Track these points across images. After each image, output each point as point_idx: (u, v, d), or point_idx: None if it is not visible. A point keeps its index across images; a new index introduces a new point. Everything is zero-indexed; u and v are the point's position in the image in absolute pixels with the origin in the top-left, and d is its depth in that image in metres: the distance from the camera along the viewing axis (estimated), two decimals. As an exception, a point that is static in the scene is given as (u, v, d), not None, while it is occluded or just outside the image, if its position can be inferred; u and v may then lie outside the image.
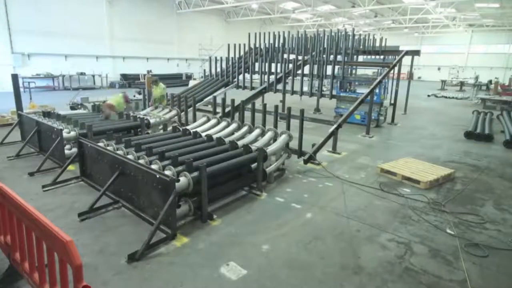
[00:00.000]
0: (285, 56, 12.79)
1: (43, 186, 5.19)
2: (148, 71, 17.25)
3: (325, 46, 12.04)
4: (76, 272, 1.96)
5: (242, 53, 13.05)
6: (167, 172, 4.26)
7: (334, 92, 10.84)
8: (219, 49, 23.65)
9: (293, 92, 11.31)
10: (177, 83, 23.68)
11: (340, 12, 28.72)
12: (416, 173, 6.08)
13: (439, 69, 39.02)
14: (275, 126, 6.90)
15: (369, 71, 21.14)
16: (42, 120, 7.00)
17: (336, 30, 12.47)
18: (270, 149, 5.80)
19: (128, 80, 22.73)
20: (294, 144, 6.64)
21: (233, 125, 6.95)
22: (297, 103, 15.61)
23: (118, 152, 4.98)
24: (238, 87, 12.37)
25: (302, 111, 6.86)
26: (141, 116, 7.85)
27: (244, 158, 5.19)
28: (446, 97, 21.43)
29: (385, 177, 6.20)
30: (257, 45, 13.10)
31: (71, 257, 1.98)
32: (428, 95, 21.93)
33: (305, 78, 11.51)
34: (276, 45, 13.19)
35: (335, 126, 7.63)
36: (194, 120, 8.28)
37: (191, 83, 15.40)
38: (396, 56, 11.67)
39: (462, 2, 22.03)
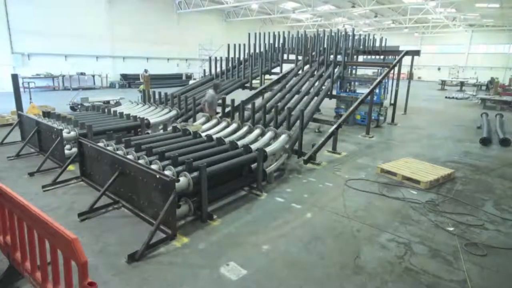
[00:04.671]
0: (285, 56, 12.81)
1: (43, 186, 5.19)
2: (145, 70, 17.31)
3: (325, 46, 12.06)
4: (82, 269, 2.01)
5: (241, 53, 13.05)
6: (167, 172, 4.26)
7: (334, 92, 10.84)
8: (219, 49, 23.65)
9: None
10: (177, 83, 23.68)
11: (340, 12, 28.72)
12: (416, 173, 6.08)
13: (439, 69, 39.02)
14: (275, 126, 6.91)
15: (369, 71, 21.13)
16: (42, 120, 7.00)
17: (336, 30, 12.47)
18: (270, 149, 5.80)
19: (128, 80, 22.74)
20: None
21: (233, 125, 6.95)
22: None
23: (118, 152, 4.98)
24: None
25: (302, 111, 6.86)
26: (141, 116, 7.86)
27: (244, 158, 5.19)
28: (447, 97, 21.43)
29: (385, 177, 6.20)
30: (257, 50, 13.13)
31: (76, 254, 2.03)
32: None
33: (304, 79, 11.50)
34: (276, 45, 13.21)
35: (335, 126, 7.63)
36: (194, 120, 8.28)
37: (191, 83, 15.38)
38: (396, 56, 11.67)
39: (462, 2, 22.02)
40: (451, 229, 4.31)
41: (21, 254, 2.77)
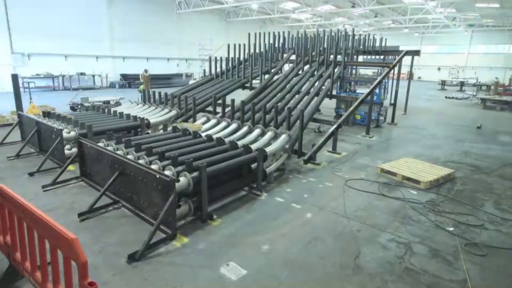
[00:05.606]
0: (285, 56, 12.79)
1: (43, 186, 5.19)
2: (145, 70, 17.32)
3: (325, 46, 12.05)
4: (82, 269, 2.03)
5: (241, 53, 13.05)
6: (167, 172, 4.26)
7: (334, 92, 10.84)
8: (219, 49, 23.65)
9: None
10: (177, 83, 23.69)
11: (340, 12, 28.75)
12: (416, 173, 6.08)
13: (439, 69, 39.04)
14: (275, 126, 6.91)
15: (369, 71, 21.14)
16: (42, 120, 7.00)
17: (336, 30, 12.46)
18: (270, 149, 5.80)
19: (128, 80, 22.74)
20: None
21: (233, 125, 6.95)
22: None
23: (118, 152, 4.98)
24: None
25: (302, 111, 6.86)
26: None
27: (244, 158, 5.19)
28: (447, 97, 21.43)
29: (385, 177, 6.20)
30: (257, 50, 13.15)
31: (76, 254, 2.05)
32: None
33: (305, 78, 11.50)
34: (276, 45, 13.20)
35: (335, 126, 7.63)
36: (194, 120, 8.28)
37: (191, 83, 15.39)
38: (396, 56, 11.67)
39: (462, 2, 22.02)
40: (451, 229, 4.31)
41: (21, 254, 2.78)
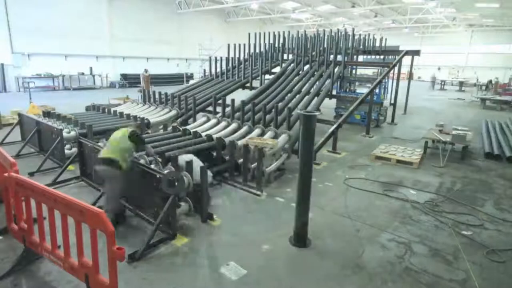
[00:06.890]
0: (285, 56, 12.79)
1: (43, 186, 5.18)
2: (145, 70, 17.30)
3: (325, 46, 12.05)
4: (110, 237, 2.39)
5: (241, 53, 13.05)
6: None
7: (334, 92, 10.83)
8: (219, 49, 23.63)
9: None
10: (177, 83, 23.66)
11: (340, 12, 28.71)
12: (405, 155, 7.10)
13: (439, 69, 38.99)
14: (275, 126, 6.91)
15: (369, 71, 21.13)
16: (42, 120, 7.00)
17: (336, 30, 12.47)
18: (270, 149, 5.79)
19: (128, 80, 22.72)
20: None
21: (233, 125, 6.95)
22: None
23: (118, 152, 4.97)
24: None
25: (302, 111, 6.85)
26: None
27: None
28: (450, 99, 21.36)
29: (385, 176, 6.20)
30: (257, 50, 13.15)
31: (104, 225, 2.40)
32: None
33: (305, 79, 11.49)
34: (276, 45, 13.20)
35: (335, 126, 7.63)
36: (194, 120, 8.28)
37: (191, 83, 15.39)
38: (396, 56, 11.67)
39: (462, 2, 22.01)
40: (469, 233, 4.23)
41: (39, 235, 3.01)
